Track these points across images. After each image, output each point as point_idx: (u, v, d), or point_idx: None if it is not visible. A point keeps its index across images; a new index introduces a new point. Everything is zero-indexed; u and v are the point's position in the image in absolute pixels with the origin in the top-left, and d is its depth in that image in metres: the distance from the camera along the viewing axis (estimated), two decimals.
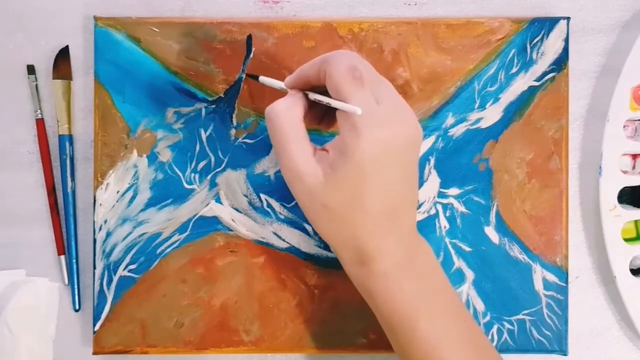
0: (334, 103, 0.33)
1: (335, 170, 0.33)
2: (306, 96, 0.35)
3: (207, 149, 0.42)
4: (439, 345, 0.33)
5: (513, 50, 0.42)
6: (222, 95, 0.42)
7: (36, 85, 0.43)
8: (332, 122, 0.37)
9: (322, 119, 0.37)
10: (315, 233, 0.42)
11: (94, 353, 0.41)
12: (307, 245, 0.42)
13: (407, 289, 0.34)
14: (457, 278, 0.42)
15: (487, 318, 0.42)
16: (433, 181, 0.42)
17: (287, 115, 0.34)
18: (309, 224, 0.42)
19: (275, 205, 0.42)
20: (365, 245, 0.34)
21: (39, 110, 0.43)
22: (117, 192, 0.41)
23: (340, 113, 0.33)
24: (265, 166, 0.42)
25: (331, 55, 0.33)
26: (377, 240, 0.34)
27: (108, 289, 0.41)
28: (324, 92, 0.34)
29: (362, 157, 0.32)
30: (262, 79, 0.37)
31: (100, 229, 0.41)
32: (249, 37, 0.41)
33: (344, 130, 0.33)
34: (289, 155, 0.34)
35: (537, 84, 0.42)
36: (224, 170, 0.42)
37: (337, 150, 0.33)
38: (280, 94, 0.36)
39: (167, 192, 0.42)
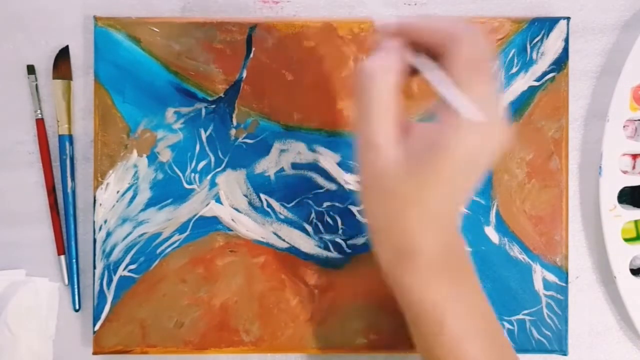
0: (451, 95, 0.28)
1: (419, 159, 0.29)
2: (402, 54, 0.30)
3: (207, 149, 0.42)
4: (466, 342, 0.32)
5: (513, 50, 0.42)
6: (222, 95, 0.42)
7: (36, 85, 0.43)
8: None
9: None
10: (316, 233, 0.42)
11: (94, 353, 0.41)
12: (307, 245, 0.42)
13: (442, 286, 0.32)
14: None
15: None
16: None
17: (382, 78, 0.29)
18: (309, 223, 0.42)
19: (275, 205, 0.42)
20: (412, 240, 0.31)
21: (39, 110, 0.43)
22: (117, 192, 0.41)
23: (445, 102, 0.29)
24: (265, 166, 0.42)
25: (460, 30, 0.29)
26: (427, 237, 0.31)
27: (108, 289, 0.41)
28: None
29: (456, 156, 0.29)
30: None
31: (100, 229, 0.41)
32: (249, 37, 0.41)
33: (446, 122, 0.29)
34: (372, 122, 0.30)
35: (537, 84, 0.42)
36: (224, 170, 0.42)
37: (429, 139, 0.29)
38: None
39: (167, 192, 0.42)
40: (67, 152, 0.42)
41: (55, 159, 0.43)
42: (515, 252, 0.42)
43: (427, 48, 0.30)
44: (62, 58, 0.43)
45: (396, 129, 0.30)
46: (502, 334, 0.35)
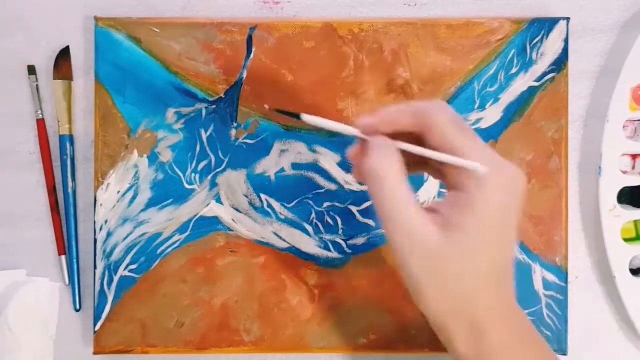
0: (444, 158, 0.30)
1: (459, 227, 0.29)
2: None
3: (207, 149, 0.42)
4: None
5: (513, 51, 0.42)
6: (222, 95, 0.42)
7: (37, 85, 0.43)
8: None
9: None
10: (316, 233, 0.42)
11: (95, 353, 0.41)
12: (307, 245, 0.42)
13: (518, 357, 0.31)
14: None
15: None
16: (433, 181, 0.42)
17: (395, 176, 0.30)
18: (309, 223, 0.42)
19: (275, 205, 0.42)
20: (478, 313, 0.30)
21: (40, 111, 0.43)
22: (118, 192, 0.41)
23: (456, 168, 0.30)
24: (265, 166, 0.42)
25: (429, 107, 0.31)
26: (488, 306, 0.30)
27: (108, 288, 0.41)
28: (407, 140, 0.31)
29: (488, 211, 0.29)
30: (305, 117, 0.31)
31: (100, 228, 0.41)
32: (249, 37, 0.41)
33: (460, 185, 0.30)
34: (406, 219, 0.30)
35: (536, 84, 0.42)
36: (224, 170, 0.42)
37: (455, 206, 0.30)
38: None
39: (168, 192, 0.42)
40: (68, 152, 0.42)
41: (55, 159, 0.43)
42: (515, 251, 0.42)
43: (403, 132, 0.31)
44: (63, 58, 0.43)
45: (420, 209, 0.30)
46: None
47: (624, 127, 0.43)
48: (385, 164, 0.30)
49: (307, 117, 0.30)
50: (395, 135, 0.31)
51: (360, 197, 0.42)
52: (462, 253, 0.30)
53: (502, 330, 0.31)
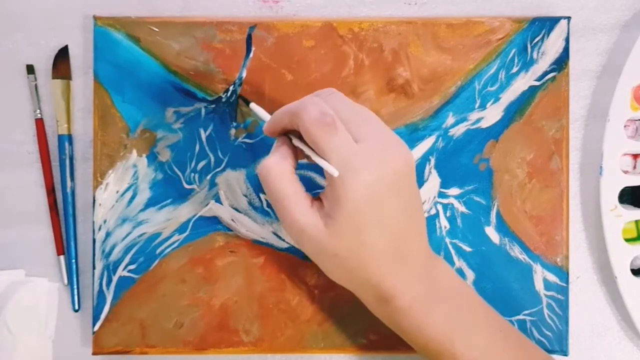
0: (314, 157, 0.33)
1: (334, 219, 0.32)
2: (291, 141, 0.35)
3: (206, 148, 0.42)
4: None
5: (513, 50, 0.42)
6: (221, 94, 0.42)
7: (35, 85, 0.43)
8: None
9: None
10: None
11: (94, 353, 0.41)
12: None
13: (436, 318, 0.34)
14: None
15: None
16: (433, 181, 0.42)
17: (278, 172, 0.33)
18: None
19: None
20: (382, 285, 0.34)
21: (39, 110, 0.43)
22: (117, 192, 0.41)
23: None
24: None
25: (299, 106, 0.33)
26: (393, 278, 0.34)
27: (107, 289, 0.41)
28: None
29: (353, 203, 0.32)
30: (253, 105, 0.37)
31: (99, 229, 0.41)
32: (249, 36, 0.41)
33: (330, 181, 0.33)
34: (288, 211, 0.33)
35: (537, 83, 0.42)
36: (223, 170, 0.42)
37: (329, 200, 0.33)
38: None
39: (167, 192, 0.41)
40: (67, 152, 0.42)
41: (54, 158, 0.43)
42: (516, 252, 0.42)
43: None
44: (62, 58, 0.43)
45: (309, 203, 0.34)
46: (516, 336, 0.35)
47: (625, 126, 0.42)
48: (273, 159, 0.34)
49: (253, 106, 0.37)
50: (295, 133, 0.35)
51: None
52: (349, 242, 0.33)
53: (408, 297, 0.34)
